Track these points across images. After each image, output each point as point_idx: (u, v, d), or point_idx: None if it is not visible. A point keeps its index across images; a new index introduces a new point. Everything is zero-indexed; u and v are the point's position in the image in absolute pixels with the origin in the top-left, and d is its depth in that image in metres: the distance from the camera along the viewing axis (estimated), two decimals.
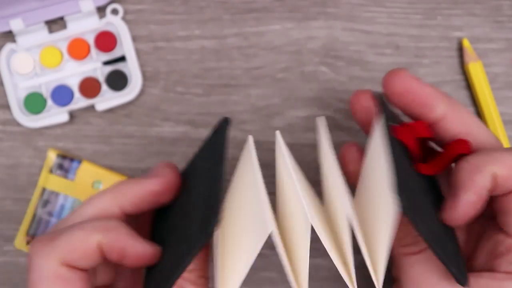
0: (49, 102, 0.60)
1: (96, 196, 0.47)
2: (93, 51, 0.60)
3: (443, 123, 0.47)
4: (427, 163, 0.47)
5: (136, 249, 0.44)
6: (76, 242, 0.43)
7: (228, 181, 0.48)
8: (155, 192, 0.47)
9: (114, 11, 0.61)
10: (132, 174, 0.61)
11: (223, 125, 0.47)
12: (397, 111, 0.49)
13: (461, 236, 0.50)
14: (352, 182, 0.49)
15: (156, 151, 0.61)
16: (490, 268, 0.46)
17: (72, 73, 0.60)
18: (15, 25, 0.59)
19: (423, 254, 0.45)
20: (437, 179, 0.49)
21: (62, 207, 0.60)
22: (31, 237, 0.60)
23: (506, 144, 0.59)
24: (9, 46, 0.60)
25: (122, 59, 0.60)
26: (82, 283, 0.44)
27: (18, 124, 0.61)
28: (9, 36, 0.61)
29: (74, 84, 0.60)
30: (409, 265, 0.46)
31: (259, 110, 0.61)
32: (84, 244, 0.43)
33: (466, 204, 0.43)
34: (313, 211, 0.44)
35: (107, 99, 0.60)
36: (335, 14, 0.61)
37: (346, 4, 0.61)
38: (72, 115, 0.61)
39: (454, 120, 0.46)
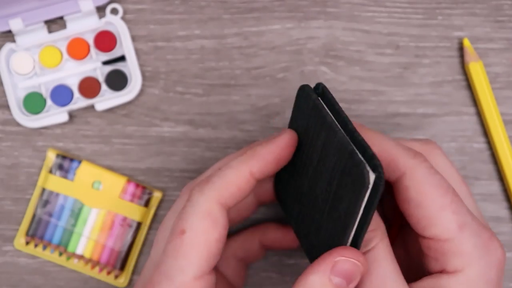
0: (49, 102, 0.60)
1: (229, 159, 0.52)
2: (93, 51, 0.60)
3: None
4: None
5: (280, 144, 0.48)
6: (230, 177, 0.47)
7: None
8: (281, 154, 0.48)
9: (114, 11, 0.61)
10: (131, 174, 0.61)
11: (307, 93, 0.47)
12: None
13: (402, 255, 0.53)
14: None
15: (155, 151, 0.61)
16: (428, 272, 0.47)
17: (72, 73, 0.60)
18: (15, 24, 0.59)
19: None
20: None
21: (62, 207, 0.60)
22: (31, 237, 0.60)
23: (507, 144, 0.59)
24: (8, 46, 0.60)
25: (121, 59, 0.60)
26: (224, 226, 0.47)
27: (17, 124, 0.61)
28: (9, 35, 0.61)
29: (73, 84, 0.60)
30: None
31: (259, 110, 0.61)
32: (238, 177, 0.47)
33: None
34: None
35: (107, 99, 0.60)
36: (335, 14, 0.61)
37: (346, 3, 0.61)
38: (72, 115, 0.61)
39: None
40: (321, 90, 0.46)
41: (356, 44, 0.61)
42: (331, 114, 0.45)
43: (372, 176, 0.41)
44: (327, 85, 0.61)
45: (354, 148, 0.42)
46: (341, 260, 0.44)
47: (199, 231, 0.46)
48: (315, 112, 0.46)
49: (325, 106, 0.46)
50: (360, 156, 0.42)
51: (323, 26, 0.61)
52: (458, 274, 0.45)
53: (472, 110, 0.61)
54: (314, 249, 0.49)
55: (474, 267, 0.45)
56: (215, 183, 0.47)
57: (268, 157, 0.47)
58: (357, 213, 0.43)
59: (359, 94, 0.61)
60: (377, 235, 0.46)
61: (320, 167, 0.46)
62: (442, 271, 0.46)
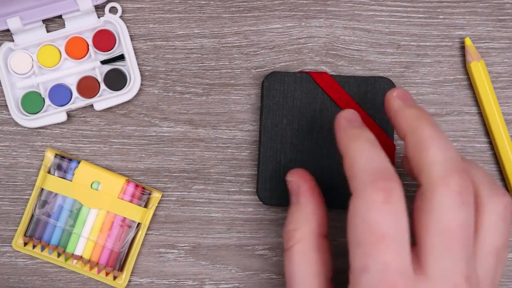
0: (47, 101, 0.60)
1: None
2: (92, 50, 0.60)
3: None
4: None
5: None
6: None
7: None
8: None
9: (113, 10, 0.61)
10: (130, 174, 0.60)
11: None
12: None
13: None
14: None
15: (155, 151, 0.61)
16: None
17: (70, 72, 0.60)
18: (13, 23, 0.59)
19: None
20: None
21: (60, 208, 0.59)
22: (29, 238, 0.59)
23: (509, 144, 0.59)
24: (6, 45, 0.59)
25: (120, 58, 0.60)
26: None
27: (15, 124, 0.61)
28: (7, 34, 0.61)
29: (72, 83, 0.60)
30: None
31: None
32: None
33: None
34: None
35: (106, 99, 0.60)
36: (336, 13, 0.61)
37: (347, 2, 0.61)
38: (70, 115, 0.61)
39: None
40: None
41: (357, 43, 0.61)
42: None
43: None
44: None
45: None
46: None
47: None
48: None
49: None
50: None
51: (323, 25, 0.61)
52: None
53: (473, 109, 0.60)
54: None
55: None
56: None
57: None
58: None
59: None
60: (296, 236, 0.49)
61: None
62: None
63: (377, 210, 0.44)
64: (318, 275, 0.48)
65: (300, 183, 0.53)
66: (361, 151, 0.47)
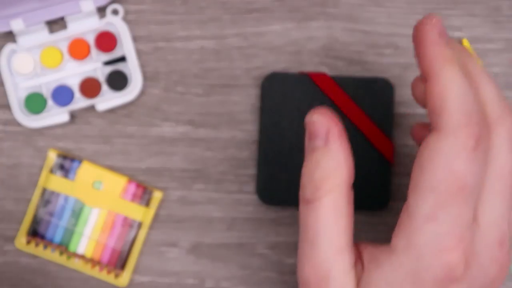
0: (50, 102, 0.60)
1: None
2: (94, 51, 0.60)
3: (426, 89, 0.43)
4: None
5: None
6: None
7: None
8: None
9: (115, 11, 0.61)
10: (132, 174, 0.61)
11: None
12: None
13: None
14: None
15: (156, 151, 0.61)
16: None
17: (73, 73, 0.60)
18: (16, 25, 0.59)
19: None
20: None
21: (63, 207, 0.60)
22: (32, 237, 0.60)
23: None
24: (9, 46, 0.60)
25: (122, 59, 0.61)
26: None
27: (18, 124, 0.61)
28: (10, 36, 0.61)
29: (74, 84, 0.61)
30: None
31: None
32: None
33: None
34: None
35: (108, 99, 0.60)
36: (335, 14, 0.61)
37: (345, 4, 0.61)
38: (73, 115, 0.61)
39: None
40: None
41: (356, 45, 0.61)
42: None
43: None
44: None
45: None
46: None
47: None
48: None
49: None
50: None
51: (322, 26, 0.61)
52: (397, 254, 0.42)
53: None
54: None
55: (413, 256, 0.41)
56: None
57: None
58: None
59: None
60: (325, 186, 0.43)
61: None
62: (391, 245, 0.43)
63: (466, 158, 0.39)
64: (348, 230, 0.43)
65: (330, 125, 0.43)
66: (457, 82, 0.40)
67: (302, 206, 0.43)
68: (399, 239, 0.41)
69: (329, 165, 0.43)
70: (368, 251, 0.43)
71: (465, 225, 0.40)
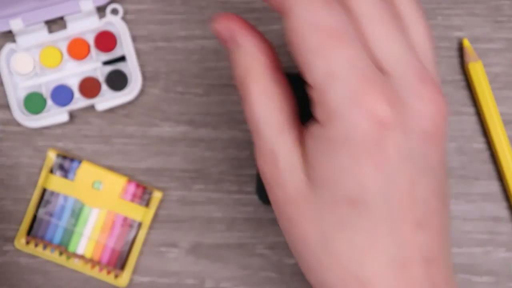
0: (49, 102, 0.60)
1: None
2: (93, 51, 0.60)
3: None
4: None
5: None
6: None
7: None
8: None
9: (114, 11, 0.61)
10: (132, 174, 0.61)
11: None
12: None
13: None
14: None
15: (156, 151, 0.61)
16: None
17: (72, 73, 0.60)
18: (15, 25, 0.59)
19: None
20: None
21: (62, 208, 0.60)
22: (31, 237, 0.60)
23: (506, 144, 0.59)
24: (9, 46, 0.60)
25: (122, 59, 0.60)
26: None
27: (18, 124, 0.61)
28: (9, 36, 0.61)
29: (74, 84, 0.60)
30: None
31: None
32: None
33: None
34: None
35: (107, 99, 0.60)
36: None
37: None
38: (72, 115, 0.61)
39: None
40: None
41: None
42: None
43: None
44: None
45: None
46: None
47: None
48: None
49: None
50: None
51: None
52: (325, 127, 0.40)
53: (471, 110, 0.61)
54: None
55: (337, 122, 0.40)
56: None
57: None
58: None
59: None
60: (249, 78, 0.43)
61: None
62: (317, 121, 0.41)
63: (319, 8, 0.39)
64: (285, 110, 0.43)
65: (231, 26, 0.44)
66: None
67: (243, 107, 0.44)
68: (318, 113, 0.41)
69: (246, 61, 0.44)
70: (307, 128, 0.43)
71: (364, 67, 0.39)
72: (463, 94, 0.61)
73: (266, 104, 0.43)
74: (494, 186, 0.60)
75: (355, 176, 0.39)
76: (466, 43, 0.60)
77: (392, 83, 0.41)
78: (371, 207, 0.40)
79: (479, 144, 0.61)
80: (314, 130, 0.41)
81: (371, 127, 0.39)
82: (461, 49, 0.61)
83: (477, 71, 0.59)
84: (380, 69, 0.41)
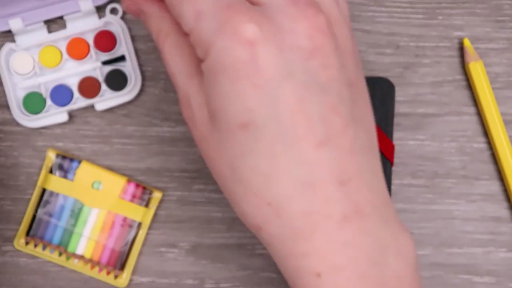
0: (49, 102, 0.60)
1: None
2: (93, 50, 0.60)
3: None
4: None
5: None
6: None
7: None
8: None
9: (114, 11, 0.61)
10: (131, 174, 0.61)
11: None
12: None
13: None
14: None
15: (155, 151, 0.61)
16: None
17: (72, 72, 0.60)
18: (14, 24, 0.59)
19: None
20: None
21: (62, 208, 0.60)
22: (31, 237, 0.60)
23: (507, 144, 0.59)
24: (8, 46, 0.60)
25: (121, 58, 0.60)
26: None
27: (17, 124, 0.61)
28: (8, 35, 0.61)
29: (73, 84, 0.60)
30: None
31: None
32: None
33: None
34: None
35: (107, 99, 0.60)
36: None
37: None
38: (72, 115, 0.61)
39: None
40: None
41: (357, 44, 0.61)
42: None
43: None
44: None
45: None
46: None
47: None
48: None
49: None
50: None
51: None
52: (205, 61, 0.43)
53: (472, 110, 0.61)
54: None
55: (212, 52, 0.42)
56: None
57: None
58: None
59: None
60: (162, 35, 0.47)
61: None
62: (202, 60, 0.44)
63: None
64: (192, 58, 0.46)
65: (135, 1, 0.49)
66: None
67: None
68: (199, 53, 0.43)
69: (155, 23, 0.48)
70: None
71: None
72: (464, 94, 0.61)
73: (178, 55, 0.46)
74: (495, 186, 0.60)
75: (238, 99, 0.41)
76: (467, 42, 0.60)
77: (263, 10, 0.42)
78: (262, 128, 0.41)
79: (480, 144, 0.61)
80: (202, 68, 0.43)
81: (241, 48, 0.41)
82: (461, 49, 0.61)
83: (477, 71, 0.59)
84: (252, 3, 0.43)
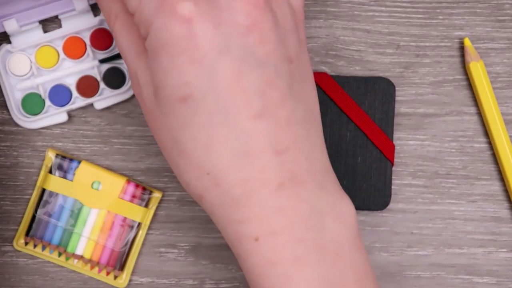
0: (47, 102, 0.60)
1: None
2: (89, 49, 0.60)
3: None
4: None
5: None
6: None
7: None
8: None
9: None
10: (131, 174, 0.61)
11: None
12: None
13: None
14: None
15: (155, 151, 0.61)
16: None
17: (69, 72, 0.60)
18: (9, 25, 0.59)
19: None
20: None
21: (61, 208, 0.60)
22: (30, 238, 0.60)
23: (508, 144, 0.59)
24: (4, 48, 0.59)
25: (119, 56, 0.60)
26: None
27: (16, 124, 0.61)
28: (4, 37, 0.61)
29: (71, 83, 0.60)
30: None
31: None
32: None
33: None
34: None
35: (106, 97, 0.60)
36: (336, 13, 0.61)
37: (346, 3, 0.61)
38: (71, 115, 0.61)
39: None
40: None
41: (357, 44, 0.60)
42: None
43: None
44: None
45: None
46: None
47: None
48: None
49: None
50: None
51: (323, 25, 0.61)
52: (146, 39, 0.46)
53: (473, 110, 0.60)
54: None
55: (152, 31, 0.45)
56: None
57: None
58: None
59: None
60: (112, 16, 0.50)
61: None
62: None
63: None
64: (140, 37, 0.48)
65: None
66: None
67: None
68: (142, 32, 0.46)
69: (105, 6, 0.50)
70: None
71: None
72: (464, 94, 0.60)
73: (127, 35, 0.49)
74: (495, 186, 0.60)
75: (177, 74, 0.44)
76: (467, 42, 0.60)
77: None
78: (200, 100, 0.44)
79: (481, 144, 0.61)
80: (146, 46, 0.46)
81: (178, 25, 0.43)
82: (462, 49, 0.61)
83: (478, 70, 0.59)
84: None
